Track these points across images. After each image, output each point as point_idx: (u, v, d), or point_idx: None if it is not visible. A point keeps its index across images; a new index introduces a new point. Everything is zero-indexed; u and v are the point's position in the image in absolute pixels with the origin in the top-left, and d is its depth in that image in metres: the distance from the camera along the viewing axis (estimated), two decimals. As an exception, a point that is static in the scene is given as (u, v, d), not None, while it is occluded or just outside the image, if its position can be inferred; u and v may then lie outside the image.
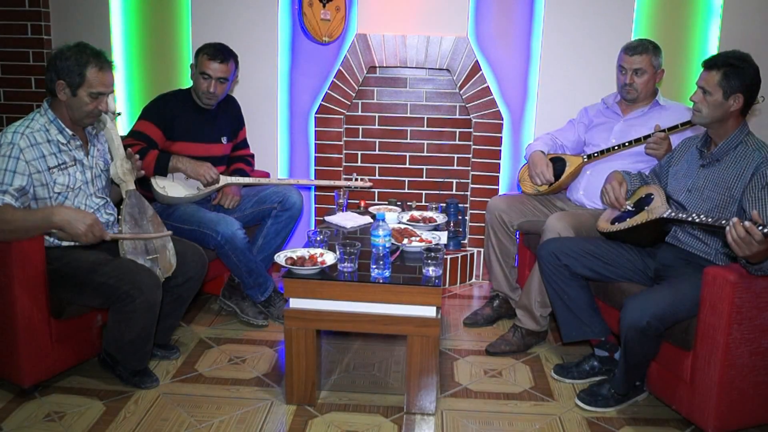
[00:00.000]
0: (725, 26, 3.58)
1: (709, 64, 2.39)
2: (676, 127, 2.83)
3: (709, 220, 2.19)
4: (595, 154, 3.06)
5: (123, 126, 3.90)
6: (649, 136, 2.87)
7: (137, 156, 2.74)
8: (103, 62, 2.48)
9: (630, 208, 2.66)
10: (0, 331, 2.41)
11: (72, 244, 2.54)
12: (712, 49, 3.62)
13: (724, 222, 2.09)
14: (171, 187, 3.08)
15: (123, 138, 2.80)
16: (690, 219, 2.27)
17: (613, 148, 3.00)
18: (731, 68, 2.33)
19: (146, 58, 3.94)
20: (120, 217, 2.60)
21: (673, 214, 2.39)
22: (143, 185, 2.96)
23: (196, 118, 3.16)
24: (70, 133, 2.51)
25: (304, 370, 2.47)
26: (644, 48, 2.97)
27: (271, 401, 2.54)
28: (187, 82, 3.32)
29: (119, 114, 2.70)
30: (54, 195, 2.46)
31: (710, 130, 2.47)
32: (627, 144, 2.96)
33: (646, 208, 2.55)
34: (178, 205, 3.10)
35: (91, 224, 2.39)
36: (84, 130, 2.61)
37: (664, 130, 2.85)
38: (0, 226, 2.29)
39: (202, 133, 3.18)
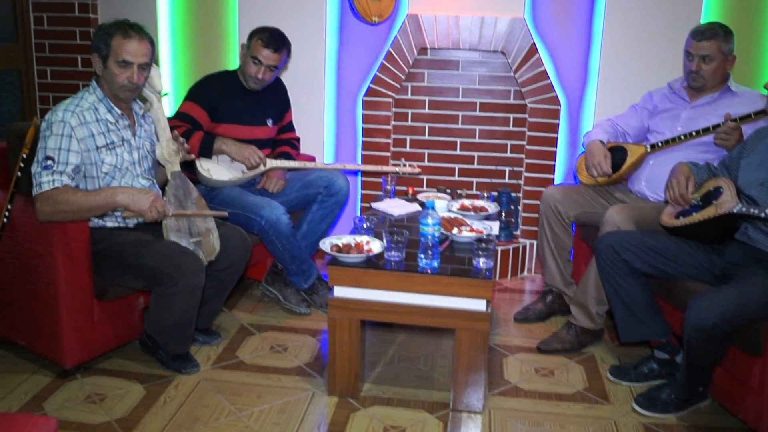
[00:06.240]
0: (804, 8, 3.36)
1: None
2: (749, 116, 2.65)
3: (786, 216, 2.05)
4: (659, 144, 2.90)
5: (169, 106, 3.90)
6: (719, 125, 2.70)
7: (183, 139, 2.71)
8: (129, 30, 2.41)
9: (697, 202, 2.50)
10: (43, 312, 2.43)
11: (117, 225, 2.54)
12: (789, 33, 3.41)
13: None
14: (215, 170, 3.06)
15: (168, 119, 2.78)
16: (763, 215, 2.16)
17: (679, 137, 2.84)
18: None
19: (193, 39, 3.92)
20: (165, 198, 2.57)
21: (743, 209, 2.26)
22: (188, 167, 2.94)
23: (241, 100, 3.13)
24: (119, 112, 2.50)
25: (347, 361, 2.42)
26: (713, 33, 2.79)
27: (312, 392, 2.49)
28: (233, 64, 3.28)
29: (166, 94, 2.66)
30: (101, 175, 2.45)
31: (789, 119, 2.30)
32: (694, 134, 2.79)
33: (714, 202, 2.41)
34: (222, 188, 3.08)
35: (154, 199, 2.39)
36: (132, 110, 2.59)
37: (735, 119, 2.67)
38: (61, 207, 2.29)
39: (248, 116, 3.15)
